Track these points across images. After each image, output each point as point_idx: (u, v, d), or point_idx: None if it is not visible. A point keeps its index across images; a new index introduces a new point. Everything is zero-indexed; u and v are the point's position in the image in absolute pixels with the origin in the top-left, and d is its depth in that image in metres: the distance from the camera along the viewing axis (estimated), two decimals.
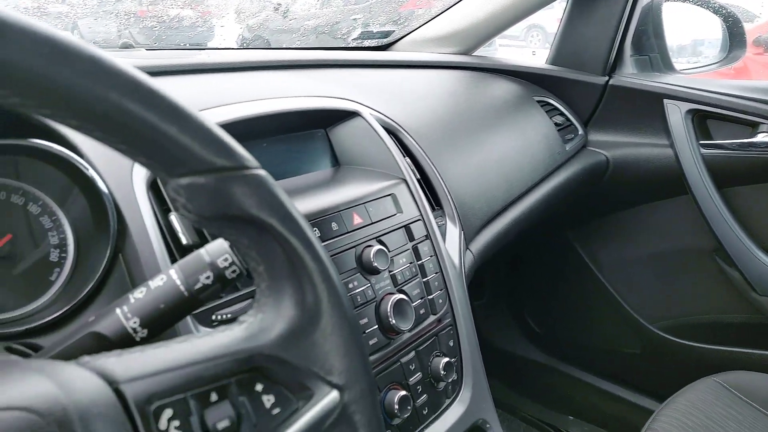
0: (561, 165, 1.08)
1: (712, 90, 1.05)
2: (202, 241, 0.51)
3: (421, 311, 0.62)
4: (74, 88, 0.23)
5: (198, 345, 0.28)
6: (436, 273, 0.65)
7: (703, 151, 1.06)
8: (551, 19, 1.15)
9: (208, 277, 0.37)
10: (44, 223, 0.48)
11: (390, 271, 0.60)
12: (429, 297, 0.63)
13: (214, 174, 0.27)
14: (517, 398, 1.43)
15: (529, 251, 1.38)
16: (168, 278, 0.36)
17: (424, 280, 0.64)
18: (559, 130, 1.09)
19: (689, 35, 1.32)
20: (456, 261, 0.69)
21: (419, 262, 0.64)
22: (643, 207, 1.19)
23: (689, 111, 1.06)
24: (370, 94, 0.81)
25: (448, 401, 0.62)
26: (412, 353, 0.60)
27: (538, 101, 1.10)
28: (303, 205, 0.57)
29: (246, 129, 0.60)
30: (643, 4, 1.13)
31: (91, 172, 0.46)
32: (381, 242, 0.61)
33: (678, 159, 1.07)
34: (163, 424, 0.25)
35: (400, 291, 0.60)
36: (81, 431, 0.22)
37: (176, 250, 0.49)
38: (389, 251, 0.60)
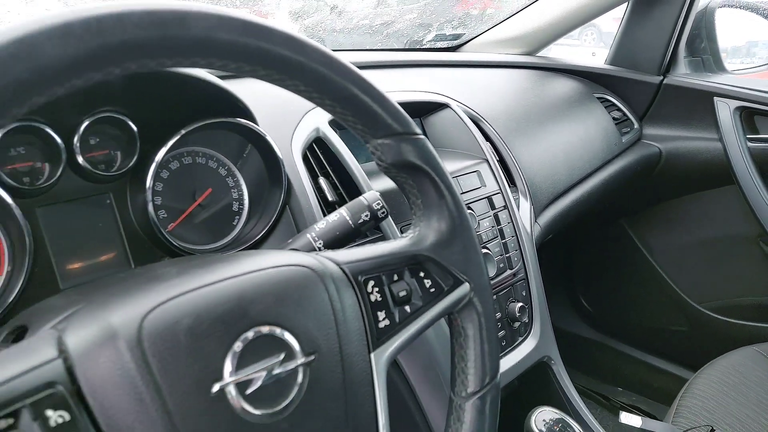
0: (617, 155, 1.20)
1: (760, 89, 1.14)
2: (341, 201, 0.67)
3: (500, 265, 0.77)
4: (328, 80, 0.38)
5: (384, 246, 0.44)
6: (512, 236, 0.80)
7: (750, 144, 1.16)
8: (606, 18, 1.25)
9: (366, 215, 0.54)
10: (228, 182, 0.66)
11: (477, 231, 0.76)
12: (506, 255, 0.78)
13: (398, 137, 0.43)
14: (570, 371, 1.55)
15: (585, 237, 1.49)
16: (340, 216, 0.53)
17: (503, 241, 0.78)
18: (616, 124, 1.21)
19: (744, 38, 1.41)
20: (528, 229, 0.84)
21: (499, 227, 0.79)
22: (693, 196, 1.30)
23: (737, 108, 1.16)
24: (453, 90, 0.96)
25: (521, 338, 0.77)
26: (494, 297, 0.75)
27: (598, 97, 1.23)
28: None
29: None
30: (697, 9, 1.24)
31: (273, 145, 0.63)
32: (469, 207, 0.76)
33: (726, 152, 1.18)
34: (369, 288, 0.41)
35: (484, 247, 0.75)
36: (332, 285, 0.38)
37: (324, 205, 0.65)
38: (476, 216, 0.76)
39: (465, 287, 0.45)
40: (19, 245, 0.48)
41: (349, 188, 0.67)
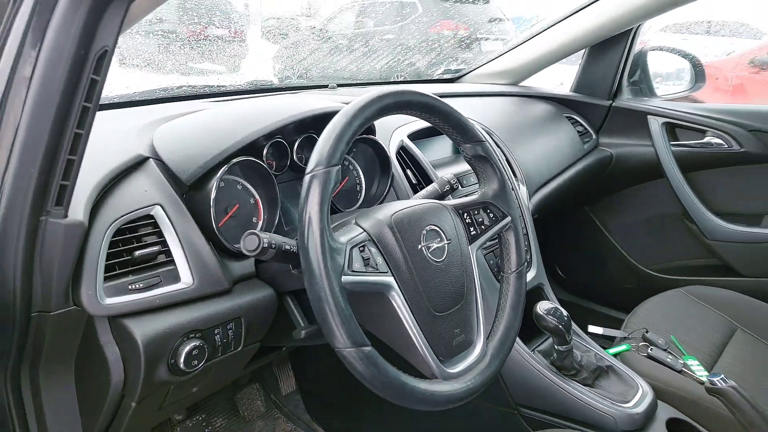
0: (581, 158, 1.66)
1: (678, 109, 1.63)
2: (419, 184, 1.10)
3: None
4: (446, 113, 0.81)
5: (470, 199, 0.86)
6: (518, 207, 1.24)
7: (673, 149, 1.64)
8: None
9: (445, 187, 0.97)
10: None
11: None
12: None
13: (475, 142, 0.85)
14: None
15: (559, 220, 1.95)
16: (432, 187, 0.96)
17: None
18: (580, 136, 1.68)
19: (669, 70, 1.90)
20: (526, 203, 1.28)
21: None
22: (636, 187, 1.77)
23: (664, 123, 1.64)
24: (463, 111, 1.40)
25: (527, 270, 1.20)
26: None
27: (566, 116, 1.69)
28: (457, 169, 1.17)
29: (430, 133, 1.20)
30: (635, 51, 1.71)
31: (385, 147, 1.04)
32: None
33: (657, 155, 1.65)
34: (465, 217, 0.84)
35: None
36: (451, 213, 0.81)
37: (410, 187, 1.08)
38: None
39: (507, 218, 0.88)
40: (272, 203, 0.88)
41: (422, 177, 1.10)
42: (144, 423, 0.84)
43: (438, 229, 0.76)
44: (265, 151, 0.87)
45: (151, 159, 0.81)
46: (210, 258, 0.76)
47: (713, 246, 1.63)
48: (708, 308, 1.38)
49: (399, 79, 1.80)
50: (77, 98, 0.55)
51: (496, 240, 0.87)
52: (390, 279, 0.68)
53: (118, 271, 0.69)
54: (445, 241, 0.76)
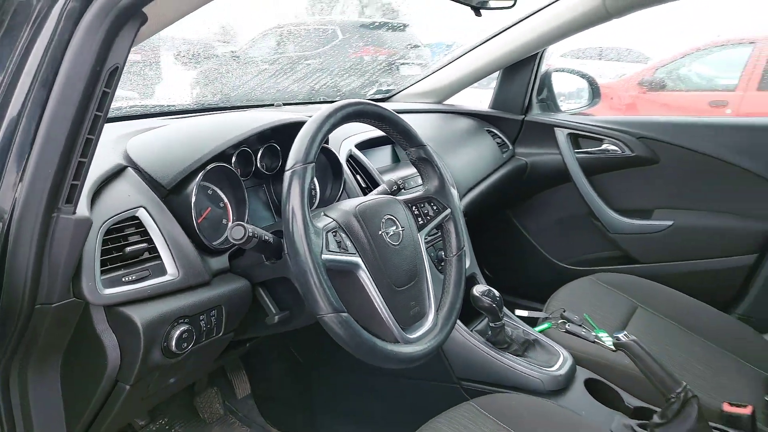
0: (500, 166, 1.87)
1: (580, 121, 1.88)
2: (367, 187, 1.23)
3: None
4: (394, 122, 0.96)
5: (415, 194, 1.01)
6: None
7: (577, 156, 1.89)
8: None
9: (393, 187, 1.11)
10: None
11: None
12: None
13: (418, 146, 1.00)
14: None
15: (483, 223, 2.15)
16: (382, 188, 1.10)
17: None
18: (498, 146, 1.89)
19: (571, 89, 2.18)
20: (458, 204, 1.44)
21: None
22: (549, 190, 2.01)
23: (568, 134, 1.89)
24: None
25: None
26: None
27: (486, 130, 1.90)
28: (399, 174, 1.31)
29: (373, 144, 1.34)
30: (541, 73, 1.96)
31: (337, 154, 1.16)
32: None
33: (564, 162, 1.90)
34: (413, 209, 0.98)
35: None
36: (402, 205, 0.95)
37: (360, 190, 1.21)
38: None
39: (448, 210, 1.03)
40: (240, 205, 0.98)
41: (370, 181, 1.24)
42: (129, 411, 0.90)
43: (394, 218, 0.89)
44: (233, 160, 0.98)
45: (129, 167, 0.89)
46: (192, 253, 0.85)
47: (615, 239, 1.89)
48: (613, 291, 1.60)
49: (329, 100, 1.94)
50: (90, 108, 0.63)
51: (438, 232, 1.02)
52: (358, 259, 0.81)
53: (110, 266, 0.76)
54: (400, 228, 0.89)
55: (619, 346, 1.09)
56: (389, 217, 0.89)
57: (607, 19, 1.55)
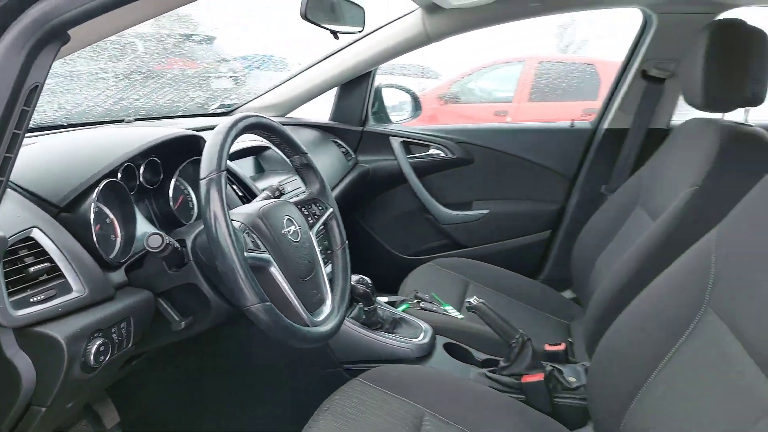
0: (347, 174, 2.06)
1: (410, 131, 2.17)
2: (244, 195, 1.30)
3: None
4: (280, 132, 1.07)
5: (301, 197, 1.12)
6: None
7: (410, 160, 2.17)
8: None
9: (276, 192, 1.22)
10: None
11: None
12: None
13: (301, 154, 1.12)
14: None
15: None
16: (266, 194, 1.20)
17: None
18: (344, 155, 2.08)
19: (397, 102, 2.47)
20: None
21: None
22: (389, 192, 2.26)
23: (401, 141, 2.16)
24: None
25: None
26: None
27: (332, 140, 2.07)
28: (269, 182, 1.41)
29: (238, 155, 1.41)
30: (374, 88, 2.21)
31: None
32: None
33: (400, 166, 2.16)
34: (302, 209, 1.10)
35: None
36: (293, 206, 1.06)
37: (238, 199, 1.28)
38: None
39: (330, 210, 1.17)
40: (129, 220, 0.99)
41: (246, 190, 1.31)
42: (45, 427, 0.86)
43: (292, 219, 1.00)
44: (119, 175, 0.99)
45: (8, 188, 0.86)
46: (95, 269, 0.86)
47: (445, 228, 2.21)
48: (449, 272, 1.89)
49: (179, 114, 1.93)
50: (9, 126, 0.64)
51: (324, 228, 1.16)
52: (269, 256, 0.91)
53: (15, 288, 0.75)
54: (298, 227, 1.01)
55: (471, 308, 1.34)
56: (288, 217, 1.00)
57: (428, 42, 1.84)
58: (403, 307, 1.62)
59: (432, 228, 2.24)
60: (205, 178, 0.82)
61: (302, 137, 2.00)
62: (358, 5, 1.42)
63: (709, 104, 1.35)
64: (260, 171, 1.57)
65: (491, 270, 1.94)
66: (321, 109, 2.26)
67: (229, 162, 1.33)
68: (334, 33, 1.35)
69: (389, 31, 1.86)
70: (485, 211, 2.21)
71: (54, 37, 0.64)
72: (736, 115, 1.39)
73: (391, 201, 2.27)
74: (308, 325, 0.94)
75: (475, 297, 1.34)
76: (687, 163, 1.38)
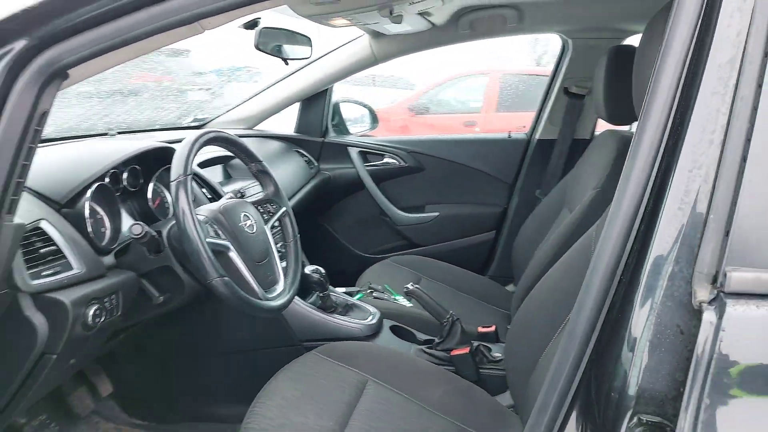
0: (309, 180, 2.28)
1: (366, 141, 2.41)
2: (212, 196, 1.52)
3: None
4: (239, 145, 1.30)
5: (258, 197, 1.35)
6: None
7: (367, 168, 2.40)
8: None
9: (237, 195, 1.44)
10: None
11: None
12: None
13: (257, 161, 1.35)
14: None
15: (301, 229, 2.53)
16: (229, 196, 1.42)
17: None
18: (306, 164, 2.31)
19: (355, 115, 2.71)
20: None
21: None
22: (349, 197, 2.49)
23: (359, 151, 2.40)
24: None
25: None
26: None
27: (295, 150, 2.30)
28: (234, 186, 1.63)
29: (208, 164, 1.63)
30: (333, 102, 2.44)
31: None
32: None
33: (358, 173, 2.40)
34: (258, 208, 1.32)
35: None
36: (252, 206, 1.28)
37: (207, 199, 1.49)
38: None
39: (283, 208, 1.40)
40: (116, 216, 1.20)
41: (212, 192, 1.53)
42: (50, 380, 1.06)
43: (248, 214, 1.23)
44: (107, 179, 1.21)
45: None
46: (90, 252, 1.08)
47: (401, 230, 2.45)
48: (404, 268, 2.12)
49: (156, 128, 2.14)
50: (26, 142, 0.86)
51: (279, 225, 1.38)
52: (228, 243, 1.13)
53: (30, 264, 0.96)
54: (253, 221, 1.23)
55: (408, 293, 1.58)
56: (244, 213, 1.22)
57: (375, 63, 2.09)
58: (358, 296, 1.85)
59: (389, 229, 2.48)
60: (174, 180, 1.04)
61: (268, 147, 2.22)
62: (304, 35, 1.66)
63: (611, 117, 1.61)
64: (228, 177, 1.79)
65: (442, 266, 2.17)
66: (288, 121, 2.50)
67: (199, 169, 1.55)
68: (285, 60, 1.58)
69: (342, 54, 2.10)
70: (436, 214, 2.46)
71: (57, 76, 0.86)
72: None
73: (352, 205, 2.50)
74: (261, 298, 1.16)
75: (411, 283, 1.58)
76: (594, 169, 1.64)
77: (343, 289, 1.90)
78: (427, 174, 2.44)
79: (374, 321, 1.63)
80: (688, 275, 0.56)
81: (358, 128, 2.58)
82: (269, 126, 2.44)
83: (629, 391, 0.56)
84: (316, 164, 2.40)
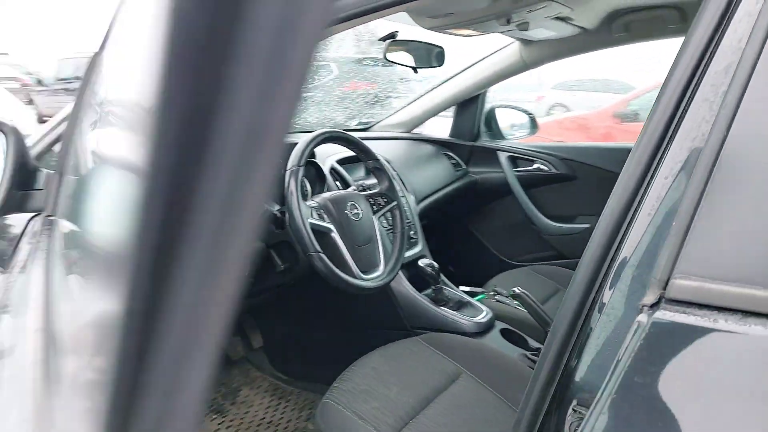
0: (453, 181, 2.37)
1: (516, 146, 2.41)
2: (345, 189, 1.73)
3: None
4: (361, 146, 1.47)
5: (374, 190, 1.51)
6: (409, 207, 1.90)
7: (516, 174, 2.40)
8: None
9: (360, 188, 1.62)
10: None
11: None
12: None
13: (374, 159, 1.51)
14: None
15: (445, 230, 2.65)
16: (352, 188, 1.61)
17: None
18: (453, 166, 2.40)
19: (513, 121, 2.71)
20: (414, 206, 1.94)
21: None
22: (496, 201, 2.52)
23: (508, 156, 2.41)
24: (376, 149, 2.07)
25: (413, 243, 1.85)
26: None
27: (443, 153, 2.42)
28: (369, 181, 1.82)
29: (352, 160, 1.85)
30: (486, 108, 2.49)
31: (322, 167, 1.68)
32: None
33: (507, 178, 2.41)
34: (369, 200, 1.48)
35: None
36: (363, 198, 1.45)
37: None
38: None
39: (394, 202, 1.54)
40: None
41: (345, 186, 1.74)
42: None
43: (355, 204, 1.40)
44: None
45: None
46: None
47: (548, 239, 2.39)
48: (542, 277, 2.08)
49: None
50: None
51: (390, 215, 1.52)
52: (331, 226, 1.31)
53: None
54: (360, 210, 1.40)
55: (514, 296, 1.58)
56: (352, 203, 1.39)
57: (525, 69, 2.09)
58: (478, 297, 1.89)
59: (536, 237, 2.44)
60: (288, 169, 1.25)
61: (418, 150, 2.38)
62: (435, 45, 1.76)
63: None
64: (368, 174, 1.99)
65: None
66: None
67: (338, 165, 1.78)
68: (414, 69, 1.71)
69: (492, 60, 2.15)
70: (587, 225, 2.34)
71: None
72: None
73: (498, 209, 2.52)
74: (356, 277, 1.31)
75: (518, 287, 1.57)
76: None
77: (466, 288, 1.96)
78: (580, 183, 2.33)
79: (484, 320, 1.67)
80: (646, 280, 0.55)
81: (514, 134, 2.59)
82: (428, 130, 2.60)
83: (573, 384, 0.58)
84: (464, 167, 2.48)
